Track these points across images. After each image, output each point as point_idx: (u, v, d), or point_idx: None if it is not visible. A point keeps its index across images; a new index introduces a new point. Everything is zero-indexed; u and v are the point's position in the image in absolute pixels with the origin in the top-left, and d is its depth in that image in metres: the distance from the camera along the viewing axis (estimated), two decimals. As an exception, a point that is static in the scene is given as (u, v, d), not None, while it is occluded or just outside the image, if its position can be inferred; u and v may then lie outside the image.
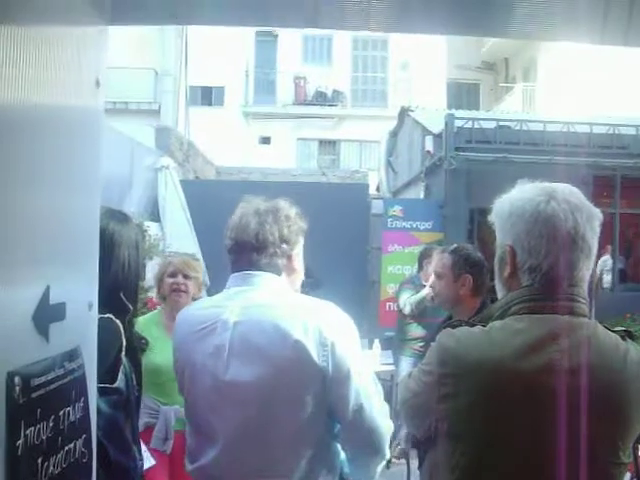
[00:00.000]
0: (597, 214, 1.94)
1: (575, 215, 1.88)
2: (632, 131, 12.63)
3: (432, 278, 3.91)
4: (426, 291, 7.11)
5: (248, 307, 2.40)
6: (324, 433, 2.40)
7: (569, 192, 1.94)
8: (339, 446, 2.49)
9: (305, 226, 2.64)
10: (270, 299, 2.43)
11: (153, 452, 3.68)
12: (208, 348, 2.37)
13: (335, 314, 2.42)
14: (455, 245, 3.91)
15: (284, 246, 2.51)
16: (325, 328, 2.33)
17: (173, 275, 4.47)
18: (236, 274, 2.51)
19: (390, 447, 2.58)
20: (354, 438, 2.44)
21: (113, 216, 2.67)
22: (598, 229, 1.93)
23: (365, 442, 2.44)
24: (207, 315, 2.45)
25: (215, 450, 2.36)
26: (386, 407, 2.51)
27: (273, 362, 2.31)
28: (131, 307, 2.65)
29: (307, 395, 2.32)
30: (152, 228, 9.35)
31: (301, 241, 2.63)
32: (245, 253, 2.49)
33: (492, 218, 2.05)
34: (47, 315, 1.68)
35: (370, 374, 2.47)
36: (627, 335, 1.92)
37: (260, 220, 2.50)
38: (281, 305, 2.41)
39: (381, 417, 2.45)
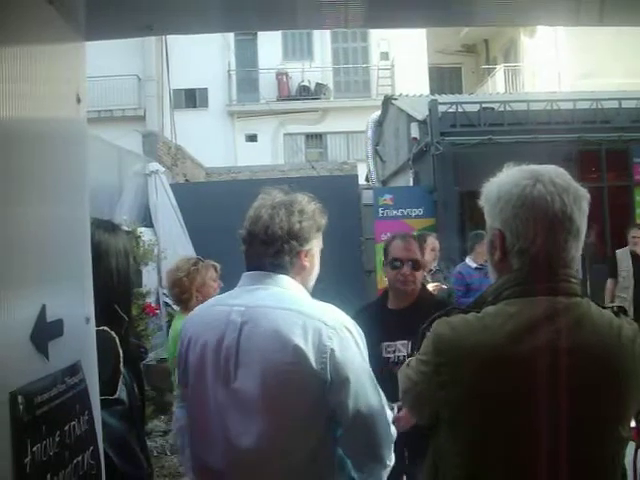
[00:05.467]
0: (584, 194, 1.95)
1: (562, 197, 1.89)
2: (615, 104, 12.66)
3: None
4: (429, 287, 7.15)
5: (253, 308, 2.40)
6: (323, 437, 2.36)
7: (555, 174, 1.95)
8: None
9: (323, 222, 2.60)
10: (274, 301, 2.40)
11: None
12: (218, 349, 2.38)
13: (337, 319, 2.36)
14: None
15: (293, 242, 2.48)
16: (325, 334, 2.29)
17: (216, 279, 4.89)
18: (247, 273, 2.52)
19: None
20: (354, 444, 2.41)
21: (99, 226, 2.63)
22: (586, 209, 1.95)
23: (365, 449, 2.41)
24: (218, 313, 2.46)
25: (216, 449, 2.38)
26: (389, 414, 2.47)
27: (273, 367, 2.29)
28: (126, 317, 2.62)
29: (305, 400, 2.30)
30: (145, 234, 9.35)
31: (316, 238, 2.58)
32: (255, 246, 2.50)
33: (482, 203, 2.07)
34: (45, 333, 1.69)
35: (372, 381, 2.39)
36: (620, 311, 1.94)
37: (272, 213, 2.49)
38: (284, 308, 2.37)
39: (382, 425, 2.40)
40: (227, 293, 2.58)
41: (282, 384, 2.29)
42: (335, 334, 2.30)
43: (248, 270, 2.54)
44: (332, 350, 2.28)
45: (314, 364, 2.26)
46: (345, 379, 2.29)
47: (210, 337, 2.42)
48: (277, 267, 2.48)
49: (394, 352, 3.81)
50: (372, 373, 2.41)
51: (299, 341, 2.27)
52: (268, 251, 2.47)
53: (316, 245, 2.60)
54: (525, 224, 1.91)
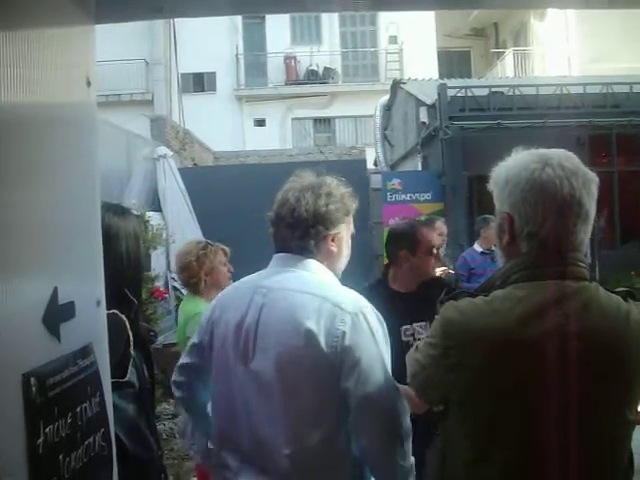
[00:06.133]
0: (593, 178, 1.95)
1: (571, 180, 1.89)
2: (625, 89, 12.60)
3: None
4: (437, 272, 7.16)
5: (275, 290, 2.41)
6: (336, 426, 2.33)
7: (564, 157, 1.95)
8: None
9: (353, 206, 2.58)
10: (297, 284, 2.40)
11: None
12: (239, 328, 2.40)
13: (355, 305, 2.34)
14: None
15: (319, 227, 2.46)
16: (339, 318, 2.28)
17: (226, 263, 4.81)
18: (277, 255, 2.53)
19: None
20: (364, 426, 2.33)
21: (109, 209, 2.63)
22: (595, 193, 1.95)
23: (376, 439, 2.34)
24: (243, 293, 2.49)
25: (241, 428, 2.41)
26: (405, 405, 2.39)
27: (286, 351, 2.30)
28: (135, 300, 2.63)
29: (317, 383, 2.30)
30: (154, 218, 9.36)
31: (346, 222, 2.56)
32: (281, 229, 2.50)
33: (490, 187, 2.07)
34: (57, 315, 1.71)
35: (384, 369, 2.32)
36: (628, 295, 1.94)
37: (298, 196, 2.47)
38: (304, 291, 2.37)
39: (393, 413, 2.33)
40: (258, 273, 2.58)
41: (294, 368, 2.30)
42: (349, 319, 2.29)
43: (276, 253, 2.55)
44: (344, 333, 2.26)
45: (325, 347, 2.26)
46: (355, 363, 2.27)
47: (233, 316, 2.45)
48: (304, 250, 2.47)
49: (412, 335, 3.84)
50: (387, 361, 2.36)
51: (311, 324, 2.27)
52: (294, 234, 2.47)
53: (345, 229, 2.57)
54: (534, 208, 1.91)
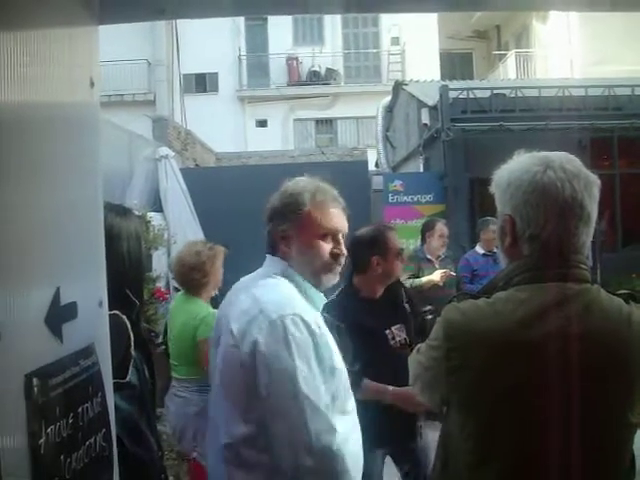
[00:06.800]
0: (595, 180, 1.95)
1: (572, 183, 1.89)
2: (627, 91, 12.59)
3: None
4: (436, 277, 7.17)
5: (237, 289, 2.54)
6: (263, 426, 2.28)
7: (566, 160, 1.95)
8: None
9: (302, 200, 2.50)
10: (247, 283, 2.51)
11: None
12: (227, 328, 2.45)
13: (279, 312, 2.28)
14: None
15: (270, 224, 2.53)
16: (256, 323, 2.27)
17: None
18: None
19: None
20: (272, 435, 2.25)
21: (111, 209, 2.63)
22: (597, 195, 1.95)
23: (280, 441, 2.25)
24: (233, 292, 2.58)
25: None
26: (315, 414, 2.24)
27: (223, 347, 2.39)
28: (137, 301, 2.63)
29: (243, 382, 2.28)
30: (155, 219, 9.35)
31: (292, 220, 2.49)
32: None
33: (492, 189, 2.07)
34: (59, 316, 1.71)
35: (292, 384, 2.21)
36: (630, 298, 1.94)
37: (272, 196, 2.55)
38: (247, 291, 2.43)
39: (291, 427, 2.22)
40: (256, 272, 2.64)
41: (227, 365, 2.36)
42: (266, 325, 2.26)
43: None
44: (256, 340, 2.24)
45: (245, 349, 2.27)
46: (265, 371, 2.23)
47: (223, 314, 2.53)
48: (268, 248, 2.55)
49: (394, 338, 3.89)
50: (301, 374, 2.23)
51: (234, 325, 2.33)
52: (265, 233, 2.56)
53: (296, 227, 2.50)
54: (535, 210, 1.91)
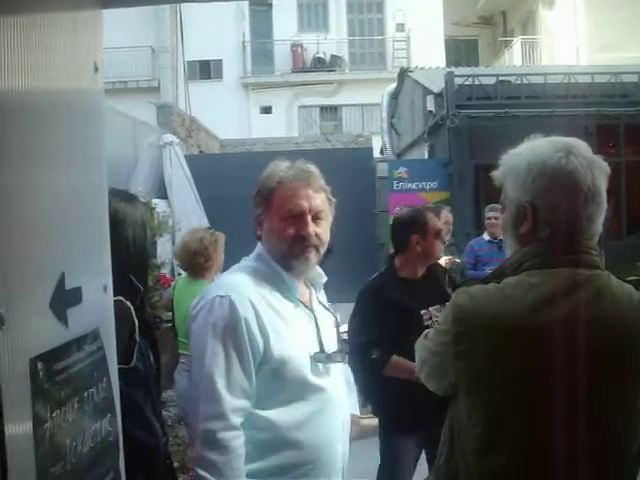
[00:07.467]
0: (605, 167, 1.95)
1: (592, 170, 1.89)
2: (634, 78, 12.55)
3: None
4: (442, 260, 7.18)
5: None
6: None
7: (584, 147, 1.94)
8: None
9: (269, 186, 2.50)
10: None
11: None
12: None
13: (215, 292, 2.37)
14: None
15: (254, 209, 2.58)
16: (196, 301, 2.46)
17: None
18: None
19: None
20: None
21: (116, 195, 2.61)
22: (606, 183, 1.95)
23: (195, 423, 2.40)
24: None
25: None
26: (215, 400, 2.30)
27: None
28: (141, 287, 2.62)
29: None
30: (160, 205, 9.36)
31: (262, 204, 2.52)
32: None
33: (501, 175, 2.05)
34: (64, 301, 1.70)
35: (203, 360, 2.31)
36: (639, 285, 1.94)
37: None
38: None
39: (200, 399, 2.33)
40: None
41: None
42: (199, 305, 2.41)
43: None
44: (192, 317, 2.43)
45: (190, 325, 2.47)
46: (192, 347, 2.48)
47: None
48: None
49: (430, 318, 3.93)
50: (214, 358, 2.30)
51: (194, 312, 2.46)
52: None
53: (265, 211, 2.52)
54: (560, 196, 1.89)
